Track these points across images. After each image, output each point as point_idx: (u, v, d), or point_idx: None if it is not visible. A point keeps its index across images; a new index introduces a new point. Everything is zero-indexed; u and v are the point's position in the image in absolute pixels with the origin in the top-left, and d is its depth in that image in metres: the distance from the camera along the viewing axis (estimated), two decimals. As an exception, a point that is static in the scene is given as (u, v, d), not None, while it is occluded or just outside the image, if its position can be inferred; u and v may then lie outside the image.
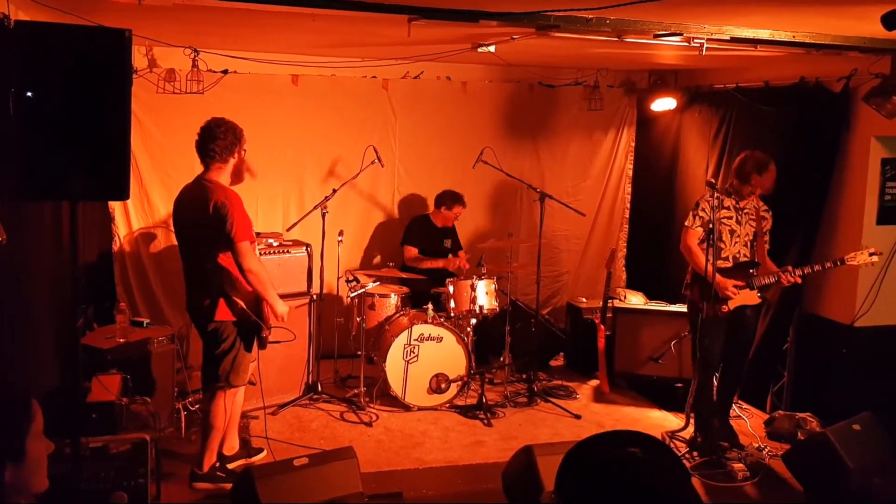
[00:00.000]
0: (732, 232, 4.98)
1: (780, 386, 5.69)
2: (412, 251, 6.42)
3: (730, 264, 4.99)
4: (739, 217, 4.97)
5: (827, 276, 5.38)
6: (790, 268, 4.90)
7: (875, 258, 4.82)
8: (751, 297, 4.91)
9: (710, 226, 4.76)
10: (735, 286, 4.89)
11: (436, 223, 6.48)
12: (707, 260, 4.72)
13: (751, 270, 4.90)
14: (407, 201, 6.89)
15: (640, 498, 1.38)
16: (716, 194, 4.84)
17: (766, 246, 5.06)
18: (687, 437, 5.07)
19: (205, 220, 4.02)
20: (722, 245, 4.98)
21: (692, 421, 5.19)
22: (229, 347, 4.20)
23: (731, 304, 4.91)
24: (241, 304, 4.14)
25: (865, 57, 4.75)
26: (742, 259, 4.99)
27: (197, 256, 4.16)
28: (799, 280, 4.88)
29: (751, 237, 4.97)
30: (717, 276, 4.85)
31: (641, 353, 6.10)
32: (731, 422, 5.31)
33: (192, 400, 5.07)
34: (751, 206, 4.99)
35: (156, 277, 6.18)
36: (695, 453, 4.83)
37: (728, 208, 4.99)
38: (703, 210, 4.96)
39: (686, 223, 5.06)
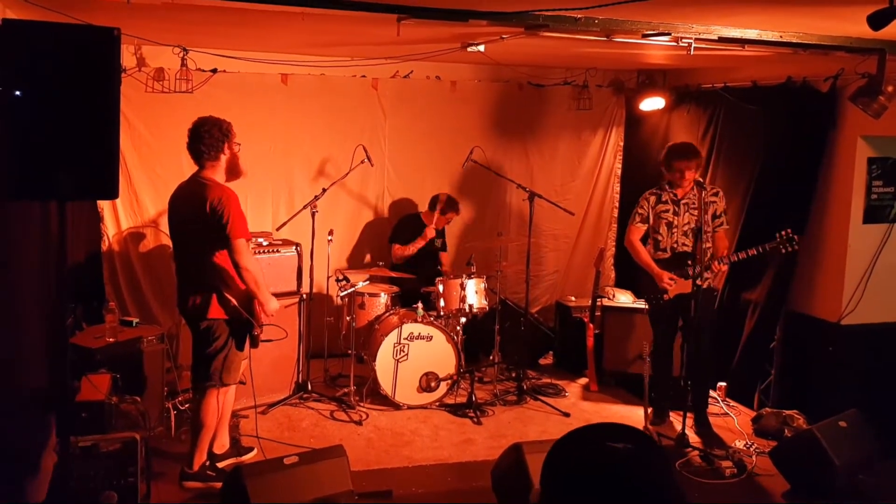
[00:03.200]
0: (670, 224, 5.20)
1: (768, 384, 5.73)
2: (399, 249, 6.42)
3: (668, 255, 5.22)
4: (678, 209, 5.15)
5: (814, 274, 5.43)
6: (724, 255, 5.07)
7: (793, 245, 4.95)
8: (688, 286, 4.99)
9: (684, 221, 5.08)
10: (671, 278, 5.11)
11: (424, 222, 6.49)
12: (662, 249, 5.23)
13: (688, 262, 5.03)
14: (397, 200, 6.89)
15: (624, 491, 1.39)
16: (656, 190, 5.29)
17: (725, 227, 5.23)
18: (673, 434, 5.10)
19: (201, 218, 4.02)
20: (660, 237, 5.24)
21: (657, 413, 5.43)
22: (222, 346, 4.19)
23: (672, 293, 5.14)
24: (234, 301, 4.14)
25: (852, 57, 4.78)
26: (681, 249, 5.16)
27: (191, 254, 4.16)
28: (725, 267, 5.14)
29: (691, 226, 5.12)
30: (654, 267, 5.19)
31: (630, 351, 6.14)
32: (719, 419, 5.35)
33: (182, 399, 5.06)
34: (692, 195, 5.10)
35: (145, 277, 6.16)
36: (687, 449, 4.86)
37: (666, 202, 5.22)
38: (642, 207, 5.30)
39: (629, 221, 5.37)
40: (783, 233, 4.94)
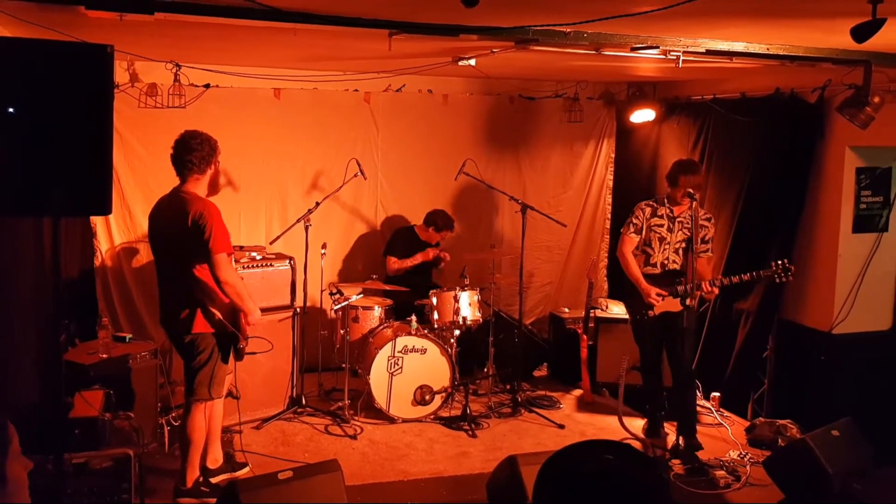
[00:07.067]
0: (662, 239, 5.17)
1: (761, 393, 5.75)
2: (394, 262, 6.43)
3: (658, 270, 5.19)
4: (671, 225, 5.13)
5: (805, 284, 5.46)
6: (716, 278, 5.08)
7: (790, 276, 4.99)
8: (674, 304, 5.00)
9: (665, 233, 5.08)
10: (658, 294, 5.08)
11: (420, 236, 6.51)
12: (652, 264, 5.19)
13: (677, 280, 5.01)
14: (390, 213, 6.90)
15: None
16: (650, 202, 5.26)
17: (709, 254, 5.20)
18: (668, 445, 5.11)
19: (183, 232, 4.02)
20: (651, 252, 5.21)
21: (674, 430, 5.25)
22: (206, 359, 4.19)
23: (657, 310, 5.11)
24: (219, 315, 4.14)
25: (839, 68, 4.84)
26: (671, 266, 5.14)
27: (174, 268, 4.16)
28: (717, 291, 5.08)
29: (682, 245, 5.11)
30: (643, 282, 5.13)
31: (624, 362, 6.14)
32: (713, 429, 5.35)
33: (176, 415, 5.05)
34: (686, 214, 5.12)
35: (138, 292, 6.15)
36: (676, 461, 4.87)
37: (661, 216, 5.19)
38: (637, 217, 5.24)
39: (622, 230, 5.31)
40: (780, 262, 4.97)
